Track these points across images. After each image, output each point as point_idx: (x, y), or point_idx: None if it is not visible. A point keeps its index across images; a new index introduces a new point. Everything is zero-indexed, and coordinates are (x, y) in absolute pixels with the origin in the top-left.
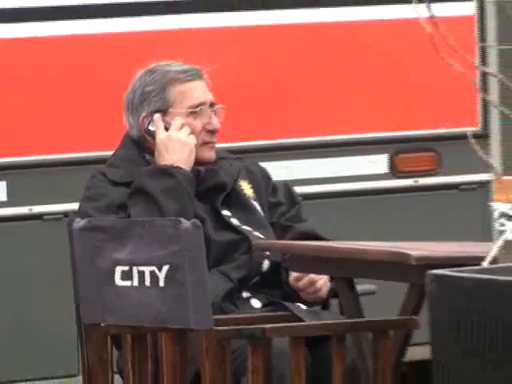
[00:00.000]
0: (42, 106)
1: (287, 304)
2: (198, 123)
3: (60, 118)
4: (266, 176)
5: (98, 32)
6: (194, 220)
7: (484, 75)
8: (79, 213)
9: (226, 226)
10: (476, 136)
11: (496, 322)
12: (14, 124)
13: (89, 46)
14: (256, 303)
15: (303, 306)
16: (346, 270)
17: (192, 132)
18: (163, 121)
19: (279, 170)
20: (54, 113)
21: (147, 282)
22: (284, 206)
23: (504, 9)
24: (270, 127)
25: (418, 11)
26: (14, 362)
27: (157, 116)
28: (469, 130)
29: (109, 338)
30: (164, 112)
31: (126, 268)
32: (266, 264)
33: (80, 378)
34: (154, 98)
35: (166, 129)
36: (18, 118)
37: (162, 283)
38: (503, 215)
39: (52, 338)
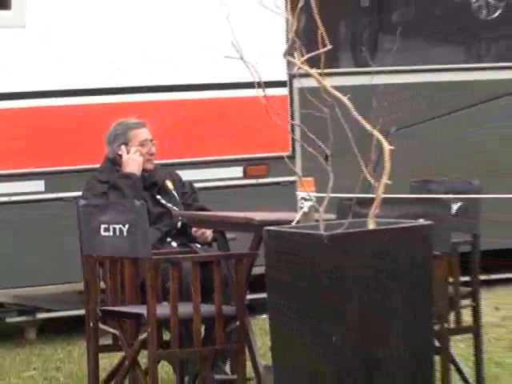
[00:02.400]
0: (62, 143)
1: (190, 244)
2: (144, 150)
3: (69, 148)
4: (179, 178)
5: (94, 103)
6: (141, 201)
7: (292, 126)
8: (82, 197)
9: (159, 204)
10: (288, 157)
11: (298, 254)
12: (48, 150)
13: (91, 111)
14: (174, 244)
15: (199, 246)
16: (221, 227)
17: (141, 154)
18: (126, 149)
19: (185, 175)
20: (67, 145)
21: (117, 233)
22: (188, 193)
23: (304, 92)
24: (181, 152)
25: (259, 92)
26: (45, 270)
27: (123, 146)
28: (284, 153)
29: (97, 263)
30: (126, 144)
31: (106, 226)
32: (179, 224)
33: (82, 283)
34: (121, 137)
35: (128, 153)
36: (51, 147)
37: (125, 234)
38: (302, 198)
39: (68, 261)
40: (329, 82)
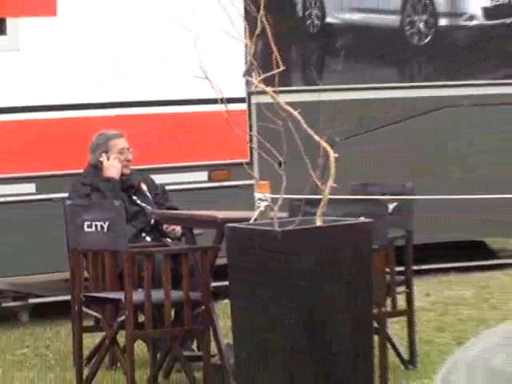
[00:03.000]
0: (51, 151)
1: (162, 239)
2: (122, 157)
3: (57, 155)
4: (152, 181)
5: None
6: (120, 201)
7: (251, 136)
8: (68, 198)
9: (134, 203)
10: (247, 163)
11: (256, 247)
12: (39, 157)
13: (79, 122)
14: (148, 239)
15: (169, 240)
16: (189, 224)
17: (119, 161)
18: (106, 156)
19: (158, 178)
20: (55, 153)
21: (99, 229)
22: (160, 194)
23: (260, 107)
24: (155, 159)
25: (222, 107)
26: (36, 261)
27: (103, 154)
28: (243, 160)
29: (81, 255)
30: (106, 152)
31: (89, 223)
32: (152, 221)
33: (68, 272)
34: (102, 146)
35: (108, 160)
36: (41, 155)
37: (105, 230)
38: (259, 199)
39: (56, 253)
40: (282, 99)
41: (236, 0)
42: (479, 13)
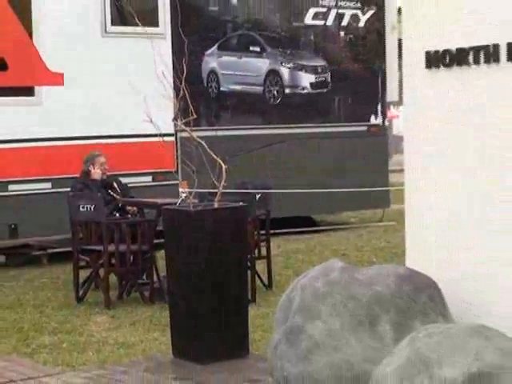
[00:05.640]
0: (60, 162)
1: (126, 215)
2: (102, 167)
3: (64, 164)
4: (120, 181)
5: (77, 143)
6: (100, 193)
7: (177, 155)
8: (70, 191)
9: (109, 194)
10: (175, 171)
11: (179, 220)
12: (53, 164)
13: (72, 147)
14: (117, 215)
15: (130, 216)
16: (141, 206)
17: (100, 170)
18: (93, 166)
19: (123, 180)
20: (62, 163)
21: (88, 209)
22: (125, 189)
23: (183, 139)
24: (121, 168)
25: (160, 138)
26: (51, 227)
27: (91, 165)
28: (172, 169)
29: (78, 224)
30: (93, 164)
31: (83, 205)
32: (120, 204)
33: (70, 234)
34: (90, 160)
35: (94, 169)
36: (54, 163)
37: (92, 210)
38: (181, 192)
39: (63, 222)
40: (195, 134)
41: (168, 76)
42: (308, 85)
